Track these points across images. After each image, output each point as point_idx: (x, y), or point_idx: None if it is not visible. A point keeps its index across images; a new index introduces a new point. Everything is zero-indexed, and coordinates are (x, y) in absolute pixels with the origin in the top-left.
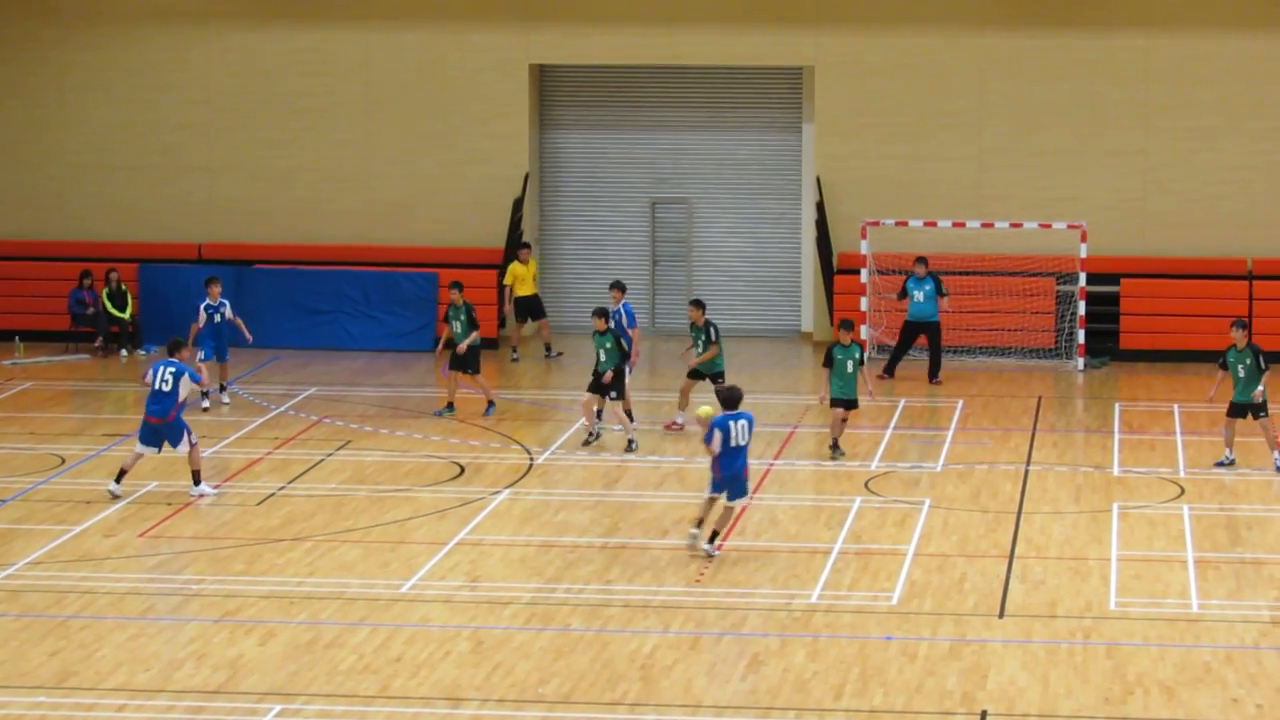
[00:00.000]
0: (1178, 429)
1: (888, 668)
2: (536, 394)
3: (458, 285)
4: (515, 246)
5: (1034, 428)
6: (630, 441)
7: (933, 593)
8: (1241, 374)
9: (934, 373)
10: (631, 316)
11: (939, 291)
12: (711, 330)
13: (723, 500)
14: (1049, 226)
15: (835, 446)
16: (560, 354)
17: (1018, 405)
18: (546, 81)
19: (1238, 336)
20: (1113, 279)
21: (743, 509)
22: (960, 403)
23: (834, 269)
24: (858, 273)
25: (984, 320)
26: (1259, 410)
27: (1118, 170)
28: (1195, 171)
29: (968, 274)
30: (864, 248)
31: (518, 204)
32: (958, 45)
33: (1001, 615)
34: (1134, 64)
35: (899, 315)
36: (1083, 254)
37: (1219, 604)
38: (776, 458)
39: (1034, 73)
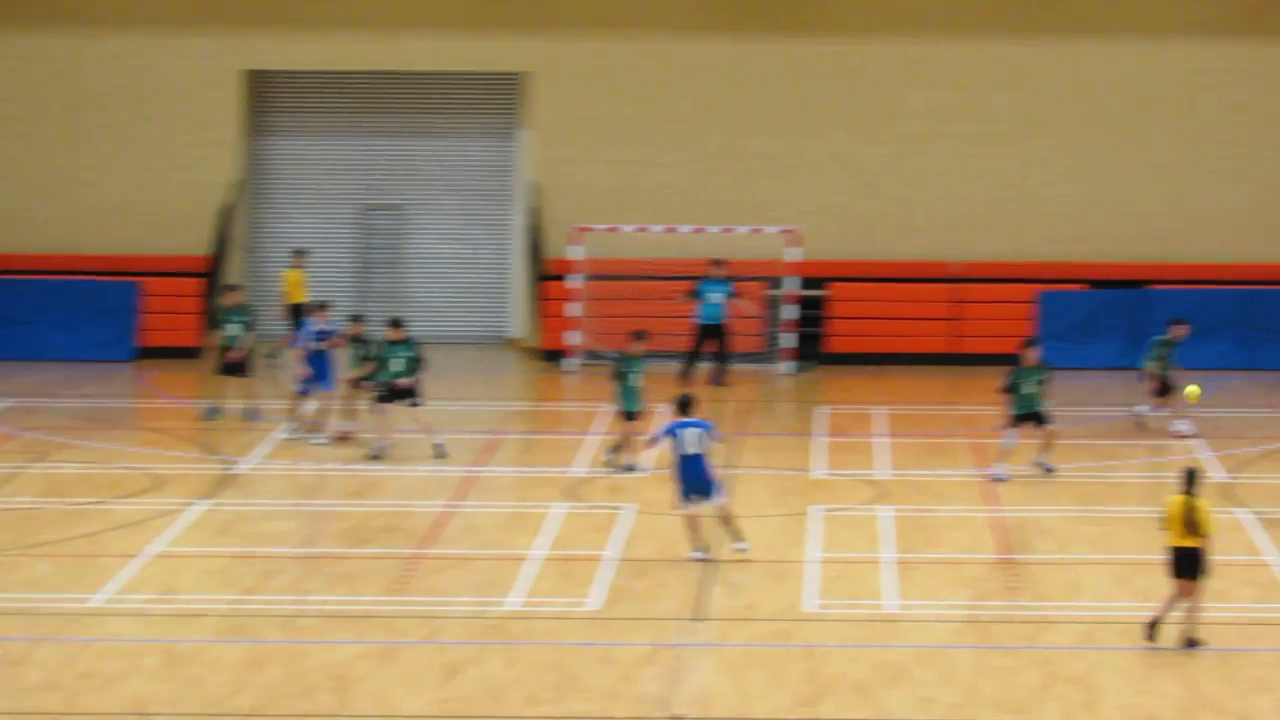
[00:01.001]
0: (881, 432)
1: (585, 673)
2: (249, 403)
3: (231, 287)
4: (219, 256)
5: (739, 432)
6: (438, 446)
7: (632, 598)
8: (1026, 391)
9: (720, 376)
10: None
11: (732, 293)
12: (373, 347)
13: (703, 507)
14: (760, 231)
15: (615, 450)
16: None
17: (723, 409)
18: (260, 88)
19: (1029, 356)
20: (821, 283)
21: (729, 506)
22: (665, 407)
23: (542, 274)
24: (566, 278)
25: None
26: (1042, 418)
27: (827, 175)
28: (902, 176)
29: (680, 279)
30: (575, 253)
31: (227, 211)
32: (674, 51)
33: (700, 619)
34: (845, 69)
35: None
36: (792, 258)
37: (916, 604)
38: (478, 465)
39: (746, 79)
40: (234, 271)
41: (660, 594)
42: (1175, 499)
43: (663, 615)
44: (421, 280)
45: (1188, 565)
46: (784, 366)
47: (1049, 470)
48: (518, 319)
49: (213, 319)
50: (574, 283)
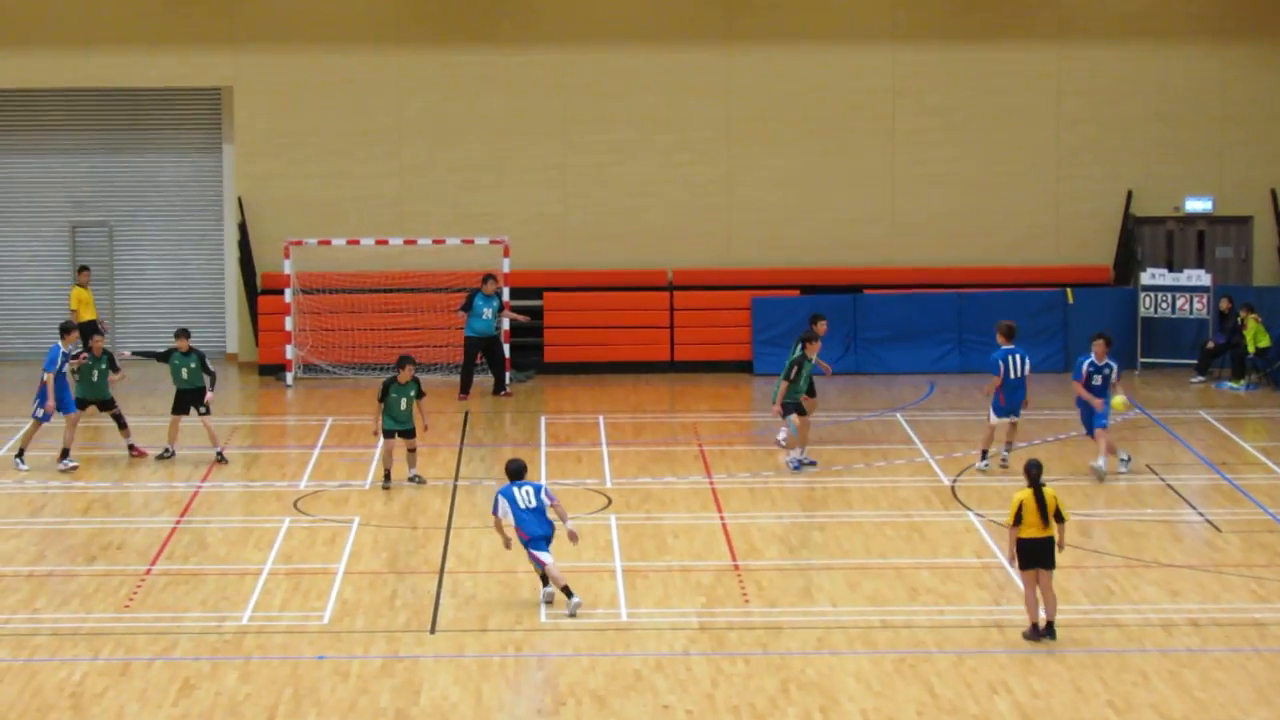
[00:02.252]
0: (603, 440)
1: (320, 687)
2: None
3: None
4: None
5: (461, 443)
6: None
7: (364, 610)
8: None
9: (500, 386)
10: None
11: (501, 308)
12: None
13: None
14: (471, 242)
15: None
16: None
17: (445, 421)
18: None
19: (810, 348)
20: (536, 293)
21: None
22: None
23: (258, 289)
24: (282, 293)
25: (410, 337)
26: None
27: (538, 185)
28: (612, 185)
29: (392, 291)
30: (287, 267)
31: None
32: (376, 63)
33: (433, 631)
34: (551, 79)
35: (337, 335)
36: (505, 268)
37: (648, 612)
38: (204, 480)
39: (453, 89)
40: None
41: (392, 606)
42: (1025, 493)
43: (396, 628)
44: (135, 297)
45: (1047, 555)
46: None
47: (809, 465)
48: (234, 334)
49: None
50: (288, 297)
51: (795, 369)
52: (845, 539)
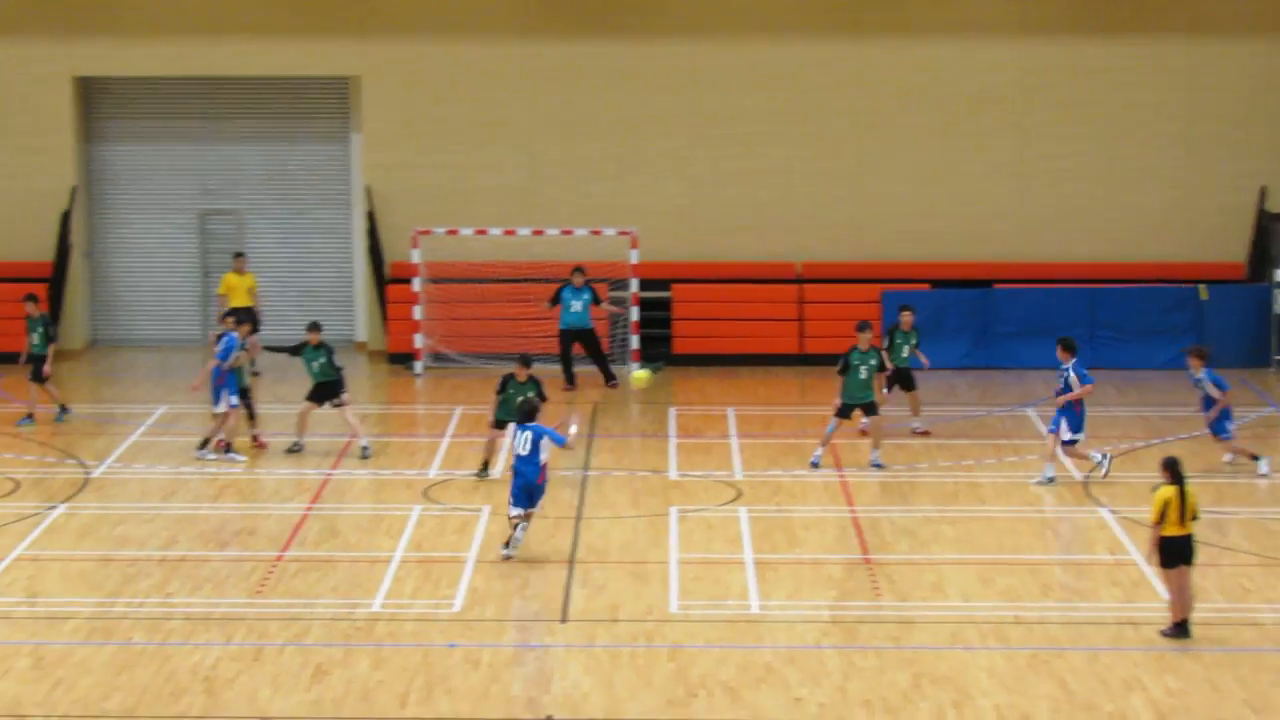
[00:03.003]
0: (732, 432)
1: (452, 675)
2: (94, 406)
3: (32, 298)
4: (60, 262)
5: (591, 433)
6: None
7: (495, 599)
8: (863, 375)
9: (608, 377)
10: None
11: (595, 300)
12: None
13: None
14: (599, 233)
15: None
16: (257, 373)
17: (575, 412)
18: (92, 94)
19: (862, 339)
20: (665, 284)
21: (526, 515)
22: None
23: (385, 278)
24: (410, 282)
25: (538, 327)
26: (872, 408)
27: (666, 177)
28: (741, 177)
29: (520, 281)
30: (415, 256)
31: (65, 217)
32: (505, 54)
33: (564, 620)
34: (680, 72)
35: (465, 324)
36: (633, 259)
37: (779, 604)
38: (334, 468)
39: (581, 81)
40: (77, 277)
41: (523, 595)
42: (1167, 489)
43: (526, 617)
44: (264, 285)
45: (1188, 552)
46: (632, 368)
47: (878, 467)
48: (363, 323)
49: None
50: (416, 286)
51: (844, 363)
52: (977, 534)
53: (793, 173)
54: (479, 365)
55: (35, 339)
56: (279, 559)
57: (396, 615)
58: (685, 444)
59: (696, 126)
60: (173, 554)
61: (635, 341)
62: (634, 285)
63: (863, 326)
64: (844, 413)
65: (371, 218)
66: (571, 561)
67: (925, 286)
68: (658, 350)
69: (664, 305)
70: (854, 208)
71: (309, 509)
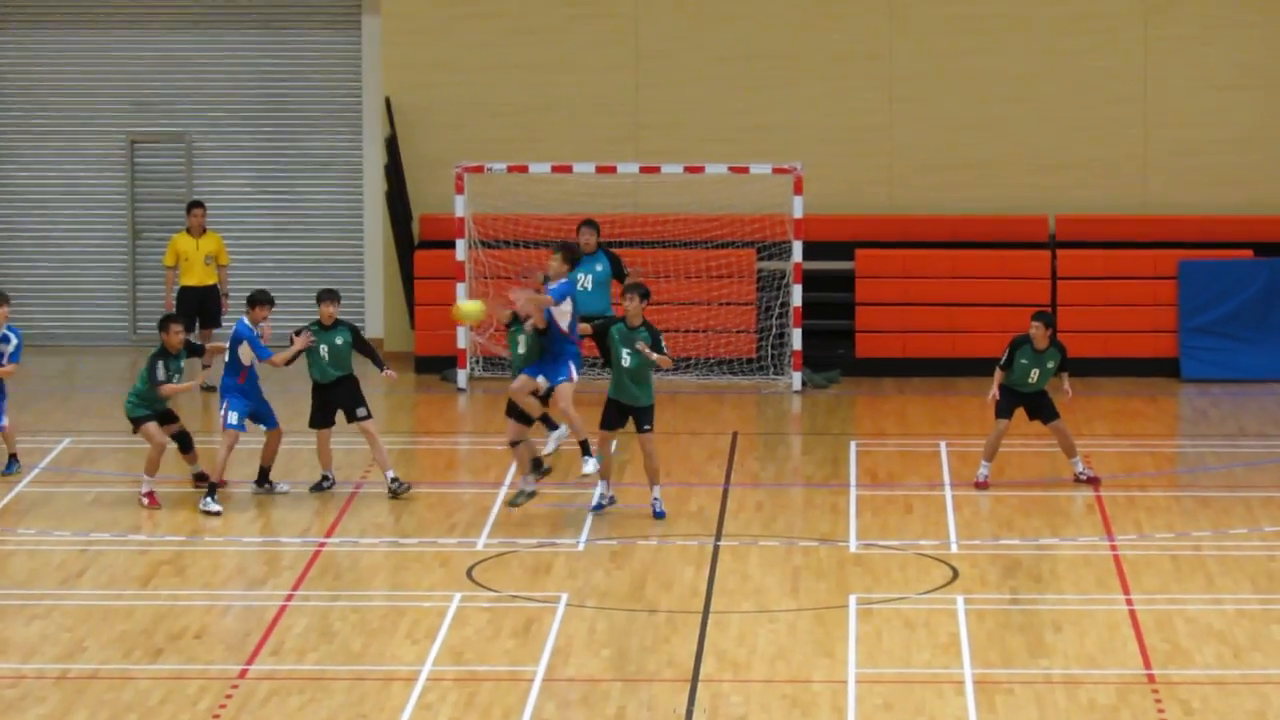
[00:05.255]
0: (946, 479)
1: None
2: None
3: None
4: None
5: (726, 482)
6: None
7: None
8: (1034, 379)
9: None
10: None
11: (617, 273)
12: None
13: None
14: (745, 171)
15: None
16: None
17: (700, 447)
18: None
19: (1037, 333)
20: (845, 250)
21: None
22: (612, 445)
23: (414, 241)
24: (452, 246)
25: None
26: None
27: (848, 83)
28: (963, 84)
29: (622, 245)
30: (460, 207)
31: None
32: None
33: None
34: None
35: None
36: (797, 211)
37: None
38: (329, 533)
39: None
40: None
41: None
42: None
43: None
44: (230, 250)
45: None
46: (793, 380)
47: (1088, 478)
48: (377, 310)
49: None
50: (461, 253)
51: (1009, 353)
52: None
53: (1044, 77)
54: None
55: None
56: (242, 675)
57: None
58: (872, 497)
59: (895, 6)
60: (77, 668)
61: (797, 339)
62: (795, 252)
63: (1042, 317)
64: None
65: (392, 146)
66: (695, 679)
67: (1247, 253)
68: (832, 352)
69: (842, 283)
70: (1138, 132)
71: (289, 597)
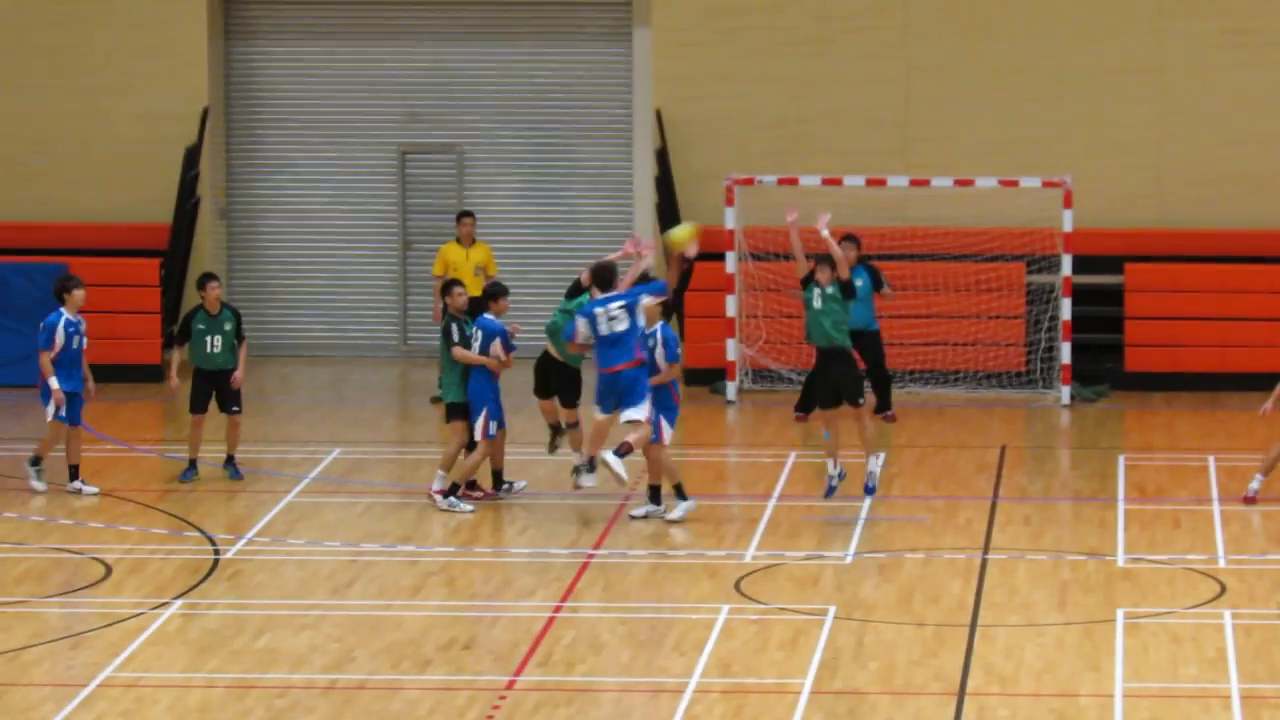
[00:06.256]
0: (1214, 494)
1: None
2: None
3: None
4: (181, 224)
5: (995, 495)
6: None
7: None
8: None
9: (883, 404)
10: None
11: (876, 285)
12: None
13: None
14: (1015, 184)
15: None
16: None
17: (968, 460)
18: None
19: None
20: (1114, 264)
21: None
22: (880, 456)
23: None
24: (722, 258)
25: (915, 329)
26: None
27: (1119, 96)
28: (1233, 95)
29: (890, 258)
30: (730, 219)
31: (192, 155)
32: None
33: None
34: None
35: (794, 324)
36: (1066, 225)
37: None
38: (597, 546)
39: None
40: (205, 246)
41: None
42: None
43: None
44: (498, 263)
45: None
46: (1062, 393)
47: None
48: None
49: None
50: (731, 265)
51: None
52: None
53: None
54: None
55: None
56: (510, 686)
57: None
58: (1140, 511)
59: (1165, 20)
60: (346, 678)
61: (1066, 353)
62: (1065, 265)
63: None
64: None
65: (663, 159)
66: (961, 692)
67: None
68: (1100, 366)
69: (1111, 297)
70: None
71: (558, 608)
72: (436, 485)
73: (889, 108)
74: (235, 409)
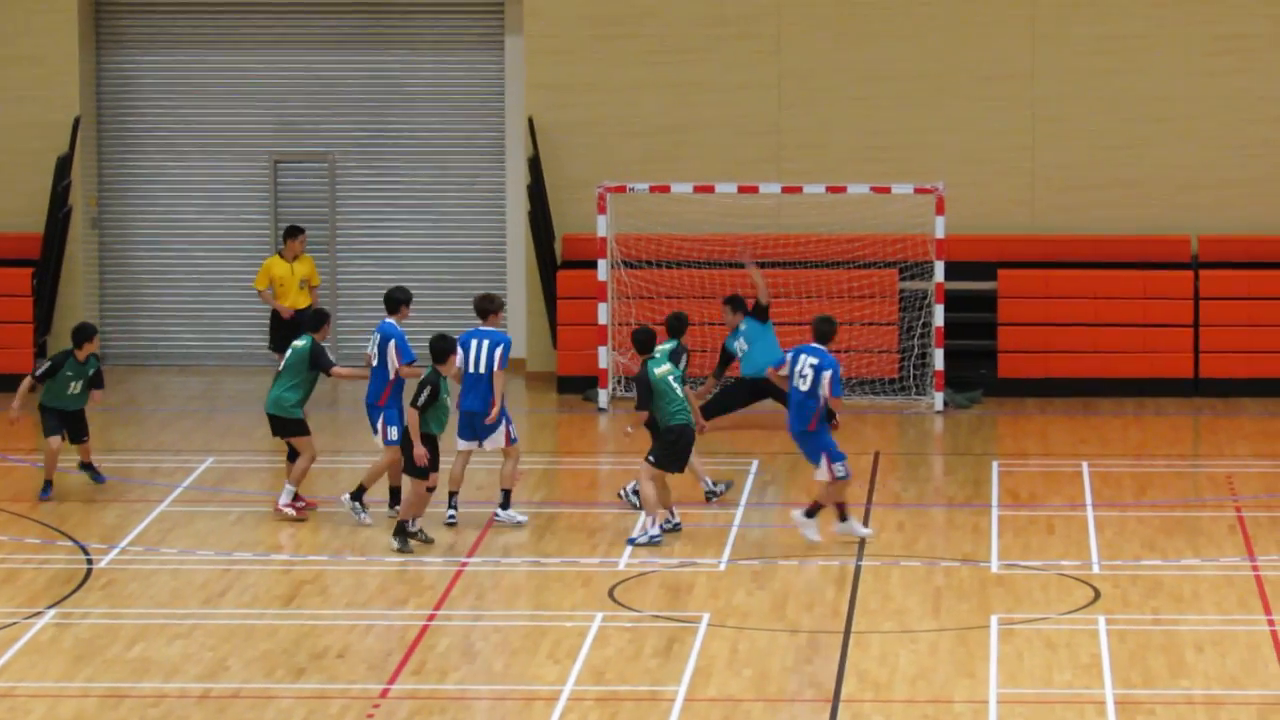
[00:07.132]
0: (1088, 499)
1: None
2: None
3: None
4: (53, 235)
5: (869, 501)
6: None
7: None
8: None
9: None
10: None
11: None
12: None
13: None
14: (886, 191)
15: None
16: None
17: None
18: None
19: None
20: (987, 270)
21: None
22: (754, 464)
23: (556, 261)
24: (594, 266)
25: (787, 337)
26: None
27: (990, 102)
28: (1105, 105)
29: (763, 265)
30: (603, 227)
31: (63, 165)
32: None
33: None
34: None
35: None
36: (939, 232)
37: None
38: (471, 553)
39: None
40: (79, 255)
41: None
42: None
43: None
44: (367, 270)
45: None
46: (935, 400)
47: None
48: (519, 329)
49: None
50: (603, 273)
51: None
52: None
53: (1188, 98)
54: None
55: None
56: (384, 694)
57: None
58: (1013, 517)
59: (1037, 27)
60: (220, 687)
61: (939, 359)
62: (937, 272)
63: None
64: None
65: (535, 167)
66: (836, 699)
67: None
68: (974, 372)
69: (984, 303)
70: None
71: (431, 616)
72: (284, 500)
73: (761, 115)
74: (84, 438)
